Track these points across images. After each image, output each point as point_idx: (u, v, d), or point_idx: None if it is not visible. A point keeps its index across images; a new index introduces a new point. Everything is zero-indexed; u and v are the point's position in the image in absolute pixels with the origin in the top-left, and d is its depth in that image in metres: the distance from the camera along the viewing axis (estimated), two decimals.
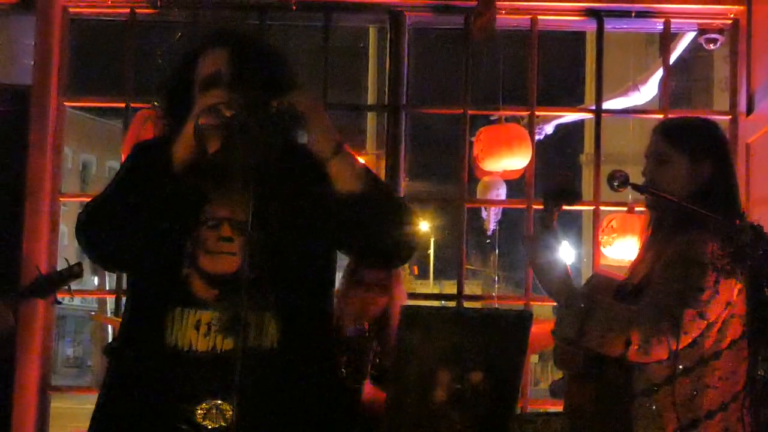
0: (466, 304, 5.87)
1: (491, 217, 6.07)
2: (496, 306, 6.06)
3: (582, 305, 3.07)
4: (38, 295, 4.37)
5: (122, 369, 2.84)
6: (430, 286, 29.94)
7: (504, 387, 2.83)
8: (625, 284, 3.32)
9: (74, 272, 4.27)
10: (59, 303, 4.40)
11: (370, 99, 11.19)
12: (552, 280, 3.14)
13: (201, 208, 2.77)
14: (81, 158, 38.25)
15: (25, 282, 4.81)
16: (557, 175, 3.30)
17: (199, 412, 2.66)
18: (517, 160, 5.69)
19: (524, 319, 2.89)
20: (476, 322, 2.86)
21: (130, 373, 2.79)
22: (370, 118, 13.24)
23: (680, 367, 3.10)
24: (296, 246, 2.75)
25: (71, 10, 5.83)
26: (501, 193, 5.94)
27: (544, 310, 6.80)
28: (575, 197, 3.26)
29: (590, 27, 6.04)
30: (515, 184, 6.06)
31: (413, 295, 5.42)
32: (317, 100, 2.84)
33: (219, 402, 2.65)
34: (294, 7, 5.76)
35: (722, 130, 3.55)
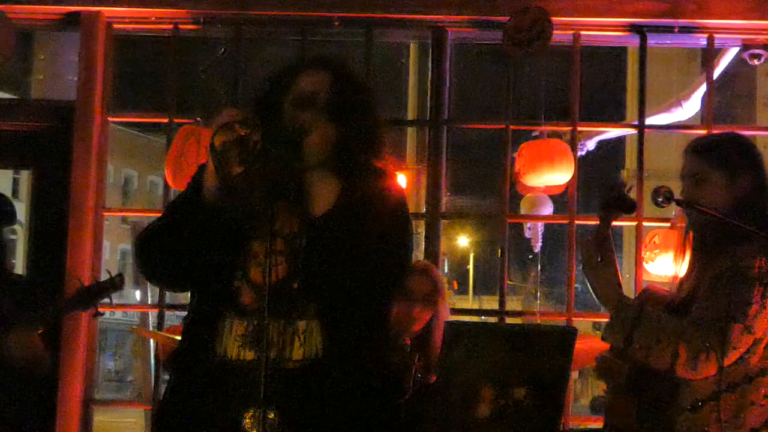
0: (508, 320, 5.85)
1: (538, 235, 6.05)
2: (539, 322, 6.04)
3: (631, 314, 3.07)
4: (79, 307, 4.39)
5: (178, 379, 2.94)
6: (469, 302, 29.88)
7: (548, 403, 2.83)
8: (673, 300, 3.31)
9: (115, 284, 4.30)
10: (101, 315, 4.42)
11: (410, 114, 11.21)
12: (604, 287, 3.14)
13: (251, 224, 2.83)
14: (123, 173, 38.54)
15: (68, 295, 4.85)
16: (616, 185, 3.30)
17: (247, 420, 2.70)
18: (559, 176, 5.67)
19: (569, 334, 2.89)
20: (521, 337, 2.86)
21: (185, 382, 2.89)
22: (411, 133, 13.27)
23: (726, 382, 3.08)
24: (338, 254, 2.77)
25: (115, 26, 5.88)
26: (545, 210, 5.92)
27: (585, 326, 6.77)
28: (632, 207, 3.26)
29: (633, 42, 6.01)
30: (556, 200, 6.04)
31: (453, 311, 5.40)
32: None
33: (266, 410, 2.68)
34: (336, 23, 5.78)
35: (754, 144, 3.53)
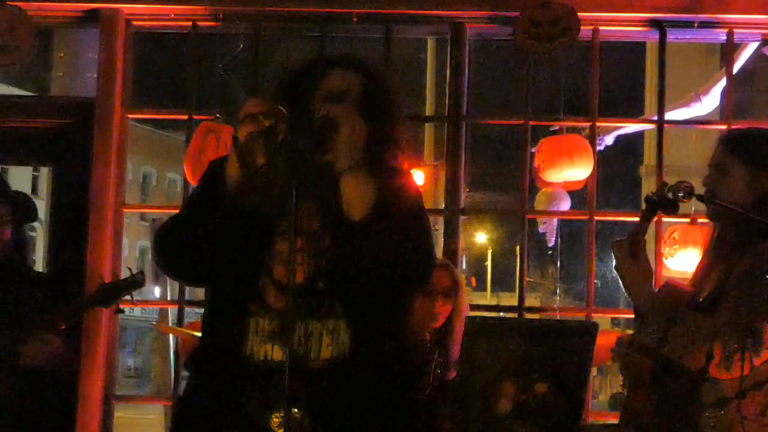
0: (527, 316, 5.84)
1: (552, 229, 6.04)
2: (558, 317, 6.03)
3: (666, 314, 3.06)
4: (101, 304, 4.39)
5: (199, 378, 2.91)
6: (487, 298, 29.86)
7: (569, 398, 2.82)
8: (695, 296, 3.30)
9: (137, 281, 4.30)
10: (122, 312, 4.43)
11: (428, 110, 11.20)
12: (638, 287, 3.14)
13: (275, 221, 2.81)
14: (141, 170, 38.64)
15: (89, 292, 4.86)
16: (661, 184, 3.30)
17: (274, 420, 2.69)
18: (578, 171, 5.66)
19: (590, 330, 2.89)
20: (542, 333, 2.86)
21: (207, 382, 2.86)
22: (428, 129, 13.25)
23: (753, 381, 3.07)
24: (367, 254, 2.75)
25: (134, 23, 5.88)
26: (563, 205, 5.91)
27: (603, 321, 6.76)
28: (675, 208, 3.25)
29: (652, 38, 5.99)
30: (574, 195, 6.03)
31: (471, 307, 5.40)
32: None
33: (294, 409, 2.67)
34: (355, 19, 5.78)
35: None
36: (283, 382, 2.61)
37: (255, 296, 2.81)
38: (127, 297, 4.36)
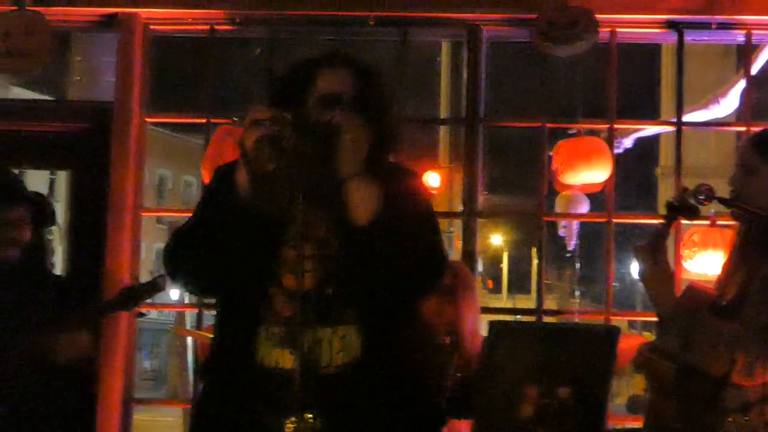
0: (545, 320, 5.83)
1: (572, 233, 6.03)
2: (577, 320, 6.02)
3: (688, 320, 3.05)
4: (123, 307, 4.41)
5: (214, 387, 2.91)
6: (503, 300, 29.83)
7: (592, 402, 2.81)
8: (718, 300, 3.28)
9: (158, 285, 4.31)
10: (143, 316, 4.45)
11: (443, 112, 11.19)
12: (660, 291, 3.13)
13: (283, 228, 2.80)
14: (157, 173, 38.70)
15: (109, 295, 4.87)
16: (682, 189, 3.29)
17: (288, 426, 2.68)
18: (596, 174, 5.65)
19: (612, 333, 2.88)
20: (564, 336, 2.85)
21: (221, 390, 2.85)
22: (443, 131, 13.25)
23: None
24: (376, 258, 2.74)
25: (152, 27, 5.89)
26: (582, 208, 5.90)
27: (621, 324, 6.74)
28: (696, 213, 3.24)
29: (670, 39, 5.97)
30: (591, 197, 6.02)
31: (487, 310, 5.39)
32: (359, 121, 2.80)
33: (307, 416, 2.66)
34: (371, 23, 5.78)
35: None
36: (295, 389, 2.61)
37: (264, 304, 2.81)
38: (147, 300, 4.37)
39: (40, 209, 4.53)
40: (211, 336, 4.66)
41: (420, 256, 2.76)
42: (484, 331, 4.30)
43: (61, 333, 4.27)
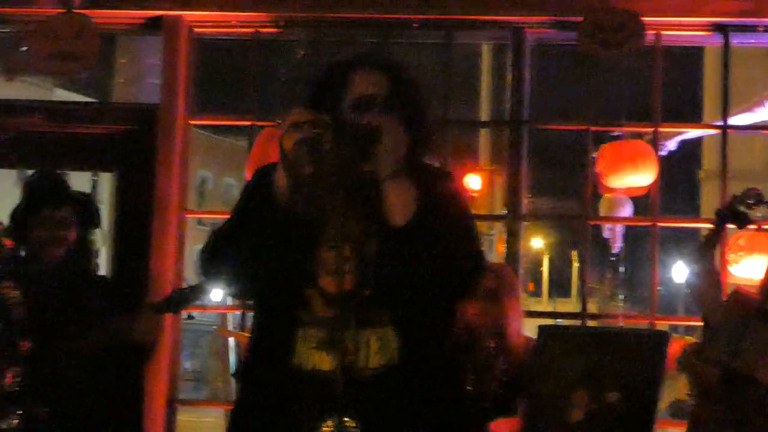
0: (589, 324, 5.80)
1: (617, 236, 6.00)
2: (621, 325, 5.98)
3: (738, 327, 3.03)
4: (172, 310, 4.45)
5: (251, 389, 2.91)
6: (544, 304, 29.68)
7: (641, 408, 2.80)
8: (763, 304, 3.26)
9: (205, 288, 4.34)
10: (192, 318, 4.46)
11: (484, 115, 11.19)
12: (707, 297, 3.11)
13: (321, 230, 2.80)
14: (199, 174, 38.86)
15: (155, 297, 4.90)
16: (731, 197, 3.28)
17: (325, 429, 2.68)
18: (641, 177, 5.62)
19: (662, 338, 2.86)
20: (613, 341, 2.84)
21: (258, 393, 2.85)
22: (484, 134, 13.23)
23: None
24: (413, 260, 2.73)
25: (196, 30, 5.93)
26: (626, 211, 5.87)
27: (662, 328, 6.69)
28: (747, 219, 3.23)
29: (715, 42, 5.94)
30: (637, 201, 5.99)
31: (528, 313, 5.36)
32: (395, 123, 2.79)
33: (345, 419, 2.66)
34: (416, 25, 5.78)
35: None
36: (333, 391, 2.61)
37: (302, 306, 2.80)
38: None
39: (86, 210, 4.58)
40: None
41: (457, 258, 2.74)
42: (527, 334, 4.30)
43: (108, 334, 4.31)
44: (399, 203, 2.73)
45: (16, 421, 4.15)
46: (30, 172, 4.89)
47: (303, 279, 2.80)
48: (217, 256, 2.86)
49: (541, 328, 2.89)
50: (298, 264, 2.79)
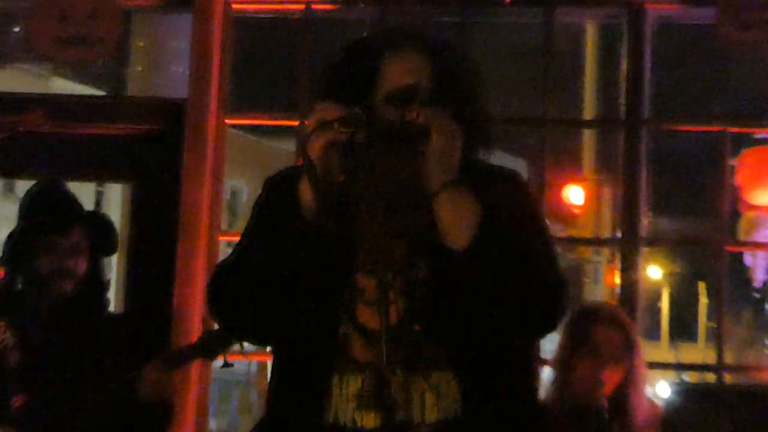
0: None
1: (760, 265, 5.97)
2: None
3: None
4: (205, 355, 4.40)
5: None
6: (664, 350, 29.42)
7: None
8: None
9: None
10: (230, 366, 4.43)
11: (587, 112, 11.16)
12: None
13: (356, 253, 2.80)
14: (229, 185, 39.08)
15: (180, 340, 4.93)
16: None
17: None
18: None
19: None
20: (763, 400, 2.83)
21: None
22: (587, 136, 13.20)
23: None
24: (478, 288, 2.71)
25: (234, 6, 5.94)
26: None
27: None
28: None
29: None
30: None
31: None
32: (449, 118, 2.73)
33: None
34: (508, 1, 5.78)
35: None
36: None
37: (336, 348, 2.78)
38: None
39: (100, 233, 4.58)
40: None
41: (531, 286, 2.71)
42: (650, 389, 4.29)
43: (119, 389, 4.33)
44: (457, 220, 2.69)
45: None
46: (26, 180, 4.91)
47: (336, 313, 2.79)
48: (227, 293, 2.85)
49: (676, 387, 2.88)
50: (329, 294, 2.78)
